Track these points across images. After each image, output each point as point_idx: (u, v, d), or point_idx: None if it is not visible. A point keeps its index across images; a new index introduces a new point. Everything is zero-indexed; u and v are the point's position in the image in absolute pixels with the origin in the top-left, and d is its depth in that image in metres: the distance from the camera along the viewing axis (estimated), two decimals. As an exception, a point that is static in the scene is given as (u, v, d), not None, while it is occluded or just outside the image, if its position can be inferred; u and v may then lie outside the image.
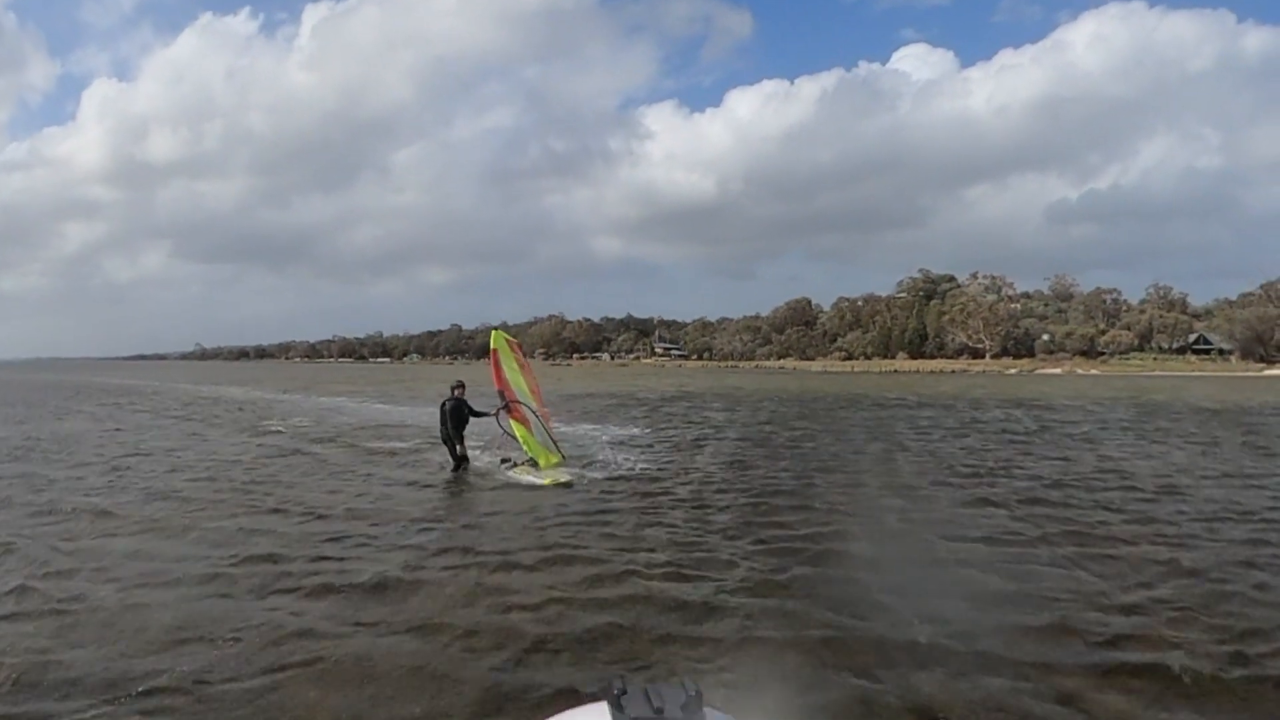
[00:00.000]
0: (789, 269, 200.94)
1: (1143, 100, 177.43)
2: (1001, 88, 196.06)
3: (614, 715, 0.69)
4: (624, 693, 0.71)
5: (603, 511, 7.42)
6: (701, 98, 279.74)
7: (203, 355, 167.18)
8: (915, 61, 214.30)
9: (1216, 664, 3.79)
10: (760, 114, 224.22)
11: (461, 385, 10.62)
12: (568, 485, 8.89)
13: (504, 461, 10.06)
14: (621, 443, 13.63)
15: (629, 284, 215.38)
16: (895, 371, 60.33)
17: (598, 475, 9.78)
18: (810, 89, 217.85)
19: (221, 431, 15.60)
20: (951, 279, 74.46)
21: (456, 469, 10.25)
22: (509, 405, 10.21)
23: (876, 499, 8.25)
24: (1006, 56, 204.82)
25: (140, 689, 3.52)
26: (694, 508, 7.63)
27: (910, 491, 8.64)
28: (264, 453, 12.13)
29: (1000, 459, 11.14)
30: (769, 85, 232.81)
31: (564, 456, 10.59)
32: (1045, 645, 4.04)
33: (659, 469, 10.38)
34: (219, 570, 5.43)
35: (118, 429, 16.44)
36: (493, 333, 11.14)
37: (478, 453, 10.77)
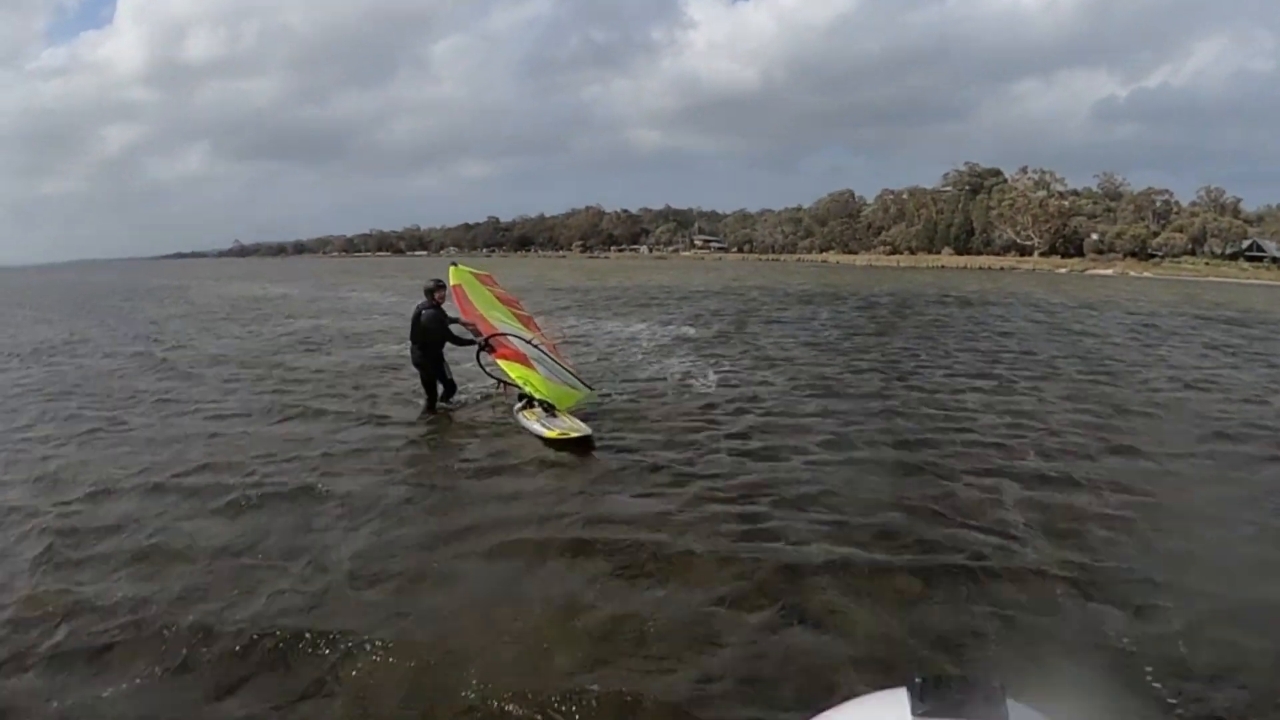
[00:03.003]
0: (830, 161, 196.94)
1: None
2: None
3: (913, 705, 0.67)
4: (925, 683, 0.69)
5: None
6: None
7: (241, 252, 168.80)
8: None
9: None
10: (806, 2, 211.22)
11: (440, 287, 8.07)
12: (583, 441, 6.59)
13: (520, 399, 7.66)
14: (683, 348, 12.68)
15: (667, 176, 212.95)
16: (942, 267, 59.53)
17: (657, 410, 8.01)
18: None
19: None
20: (998, 173, 72.00)
21: (434, 405, 8.12)
22: (489, 342, 7.68)
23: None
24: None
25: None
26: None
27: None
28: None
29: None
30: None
31: (592, 390, 8.20)
32: None
33: (742, 394, 8.74)
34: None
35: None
36: (450, 269, 8.48)
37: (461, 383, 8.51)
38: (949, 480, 5.60)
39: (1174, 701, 2.95)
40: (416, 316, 7.98)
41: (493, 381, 8.32)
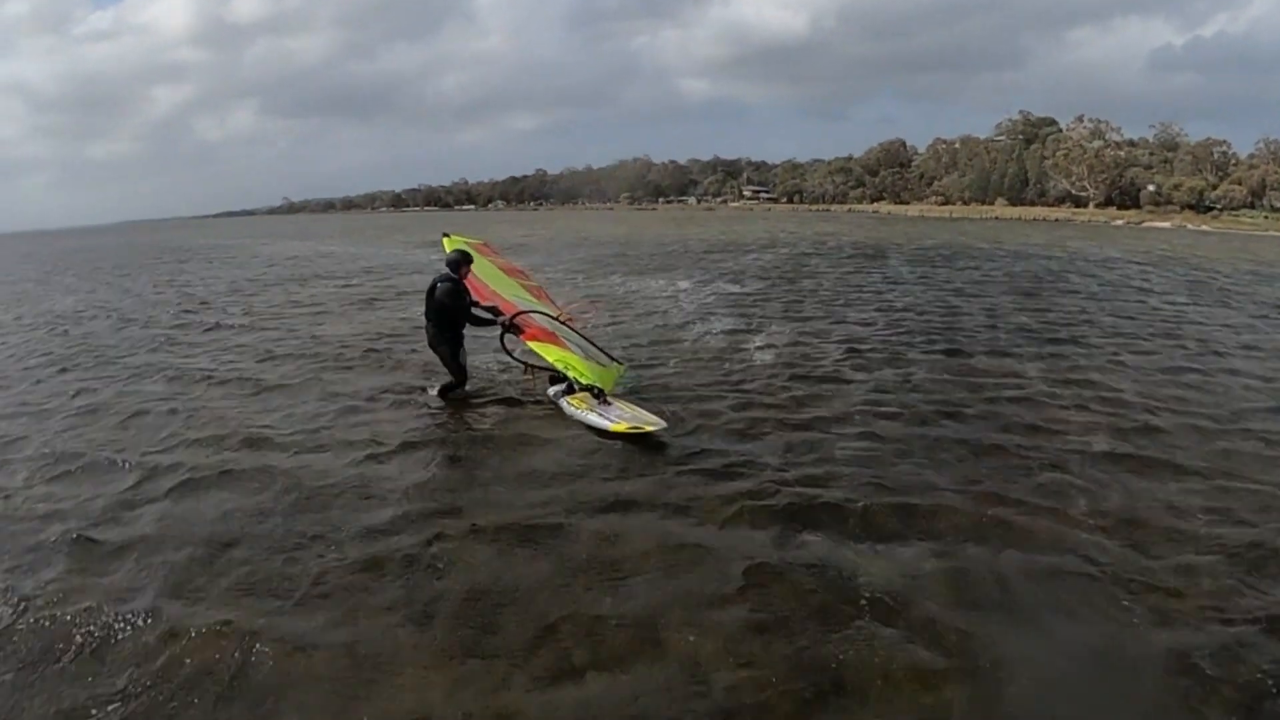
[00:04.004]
0: (880, 110, 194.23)
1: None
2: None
3: None
4: None
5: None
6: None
7: (290, 209, 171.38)
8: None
9: None
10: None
11: (467, 260, 7.04)
12: (653, 434, 5.70)
13: (554, 383, 6.86)
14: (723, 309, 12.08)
15: (716, 126, 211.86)
16: (996, 218, 59.37)
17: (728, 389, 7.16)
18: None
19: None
20: (1052, 122, 71.35)
21: (450, 390, 7.06)
22: (514, 322, 6.88)
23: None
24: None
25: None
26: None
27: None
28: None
29: None
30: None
31: (623, 365, 7.54)
32: None
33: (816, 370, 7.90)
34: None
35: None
36: (444, 240, 8.08)
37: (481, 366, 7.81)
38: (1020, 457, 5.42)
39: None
40: (431, 290, 6.81)
41: (519, 367, 7.50)
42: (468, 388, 7.23)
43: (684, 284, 16.06)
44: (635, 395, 6.91)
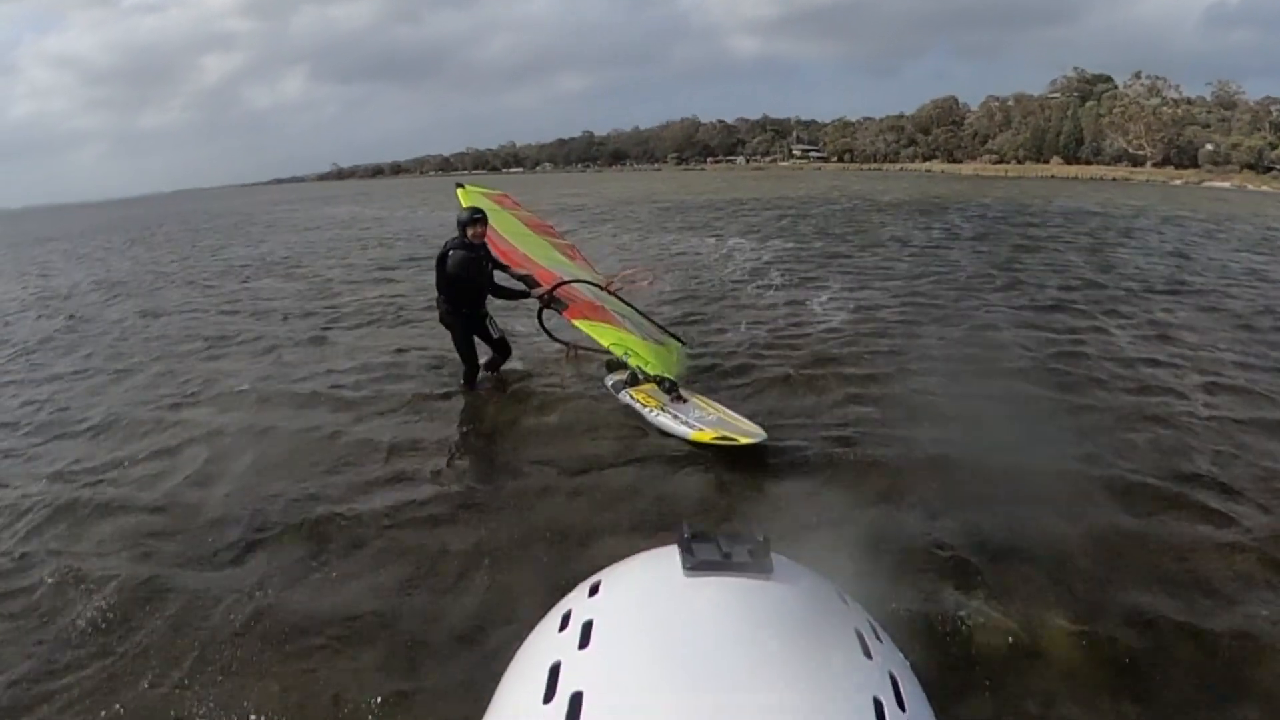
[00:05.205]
0: (932, 67, 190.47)
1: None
2: None
3: (684, 558, 0.66)
4: (694, 538, 0.68)
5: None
6: None
7: (339, 175, 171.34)
8: None
9: None
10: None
11: (478, 220, 5.54)
12: (752, 445, 4.43)
13: (612, 371, 5.81)
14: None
15: (764, 85, 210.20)
16: (1052, 177, 58.77)
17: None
18: None
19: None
20: (1108, 79, 70.33)
21: (474, 378, 5.97)
22: (553, 295, 5.47)
23: None
24: None
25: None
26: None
27: None
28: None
29: None
30: None
31: (683, 343, 6.21)
32: None
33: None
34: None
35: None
36: (459, 192, 6.65)
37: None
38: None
39: None
40: (442, 258, 5.61)
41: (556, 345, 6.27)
42: (516, 365, 6.28)
43: (738, 240, 16.00)
44: (711, 377, 6.04)
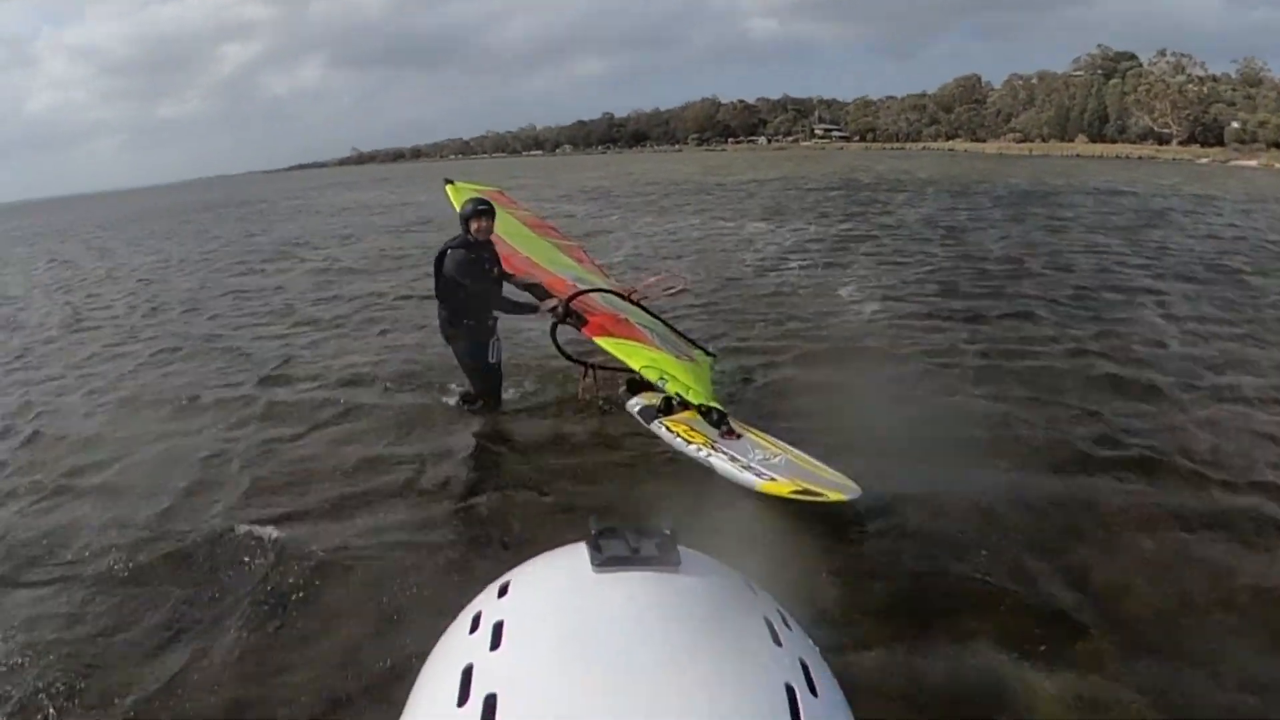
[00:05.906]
0: (953, 46, 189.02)
1: None
2: None
3: (592, 556, 0.66)
4: (601, 534, 0.69)
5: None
6: None
7: (359, 160, 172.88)
8: None
9: None
10: None
11: (483, 214, 4.67)
12: (841, 499, 3.46)
13: (636, 392, 4.78)
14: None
15: (786, 66, 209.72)
16: (1077, 155, 58.14)
17: None
18: None
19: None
20: (1132, 56, 69.44)
21: (476, 400, 5.11)
22: (569, 306, 4.68)
23: None
24: None
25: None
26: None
27: None
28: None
29: None
30: None
31: (713, 355, 5.46)
32: None
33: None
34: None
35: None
36: (448, 189, 5.91)
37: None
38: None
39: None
40: (439, 260, 4.74)
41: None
42: (507, 394, 5.24)
43: (763, 225, 15.65)
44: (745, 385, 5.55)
